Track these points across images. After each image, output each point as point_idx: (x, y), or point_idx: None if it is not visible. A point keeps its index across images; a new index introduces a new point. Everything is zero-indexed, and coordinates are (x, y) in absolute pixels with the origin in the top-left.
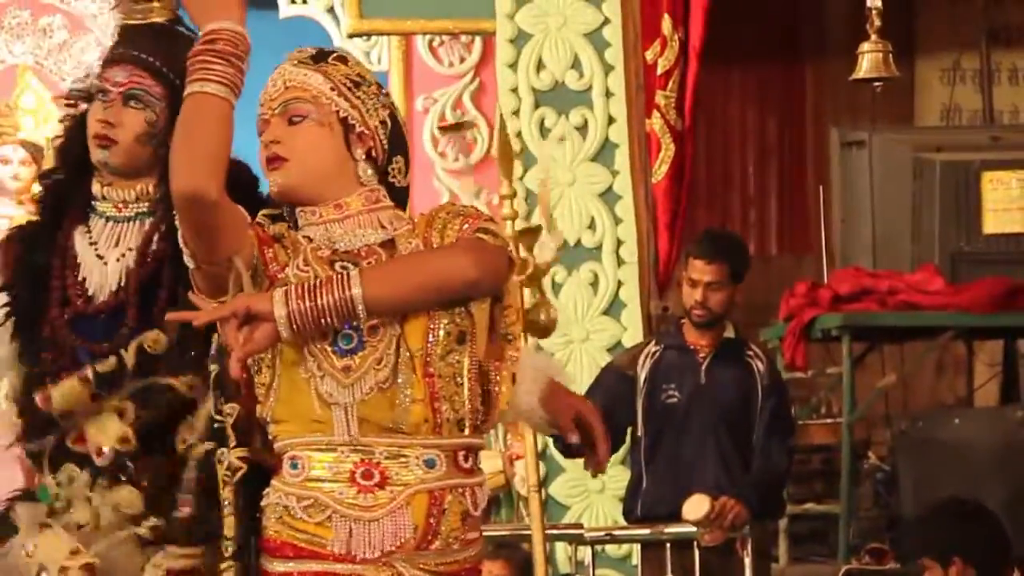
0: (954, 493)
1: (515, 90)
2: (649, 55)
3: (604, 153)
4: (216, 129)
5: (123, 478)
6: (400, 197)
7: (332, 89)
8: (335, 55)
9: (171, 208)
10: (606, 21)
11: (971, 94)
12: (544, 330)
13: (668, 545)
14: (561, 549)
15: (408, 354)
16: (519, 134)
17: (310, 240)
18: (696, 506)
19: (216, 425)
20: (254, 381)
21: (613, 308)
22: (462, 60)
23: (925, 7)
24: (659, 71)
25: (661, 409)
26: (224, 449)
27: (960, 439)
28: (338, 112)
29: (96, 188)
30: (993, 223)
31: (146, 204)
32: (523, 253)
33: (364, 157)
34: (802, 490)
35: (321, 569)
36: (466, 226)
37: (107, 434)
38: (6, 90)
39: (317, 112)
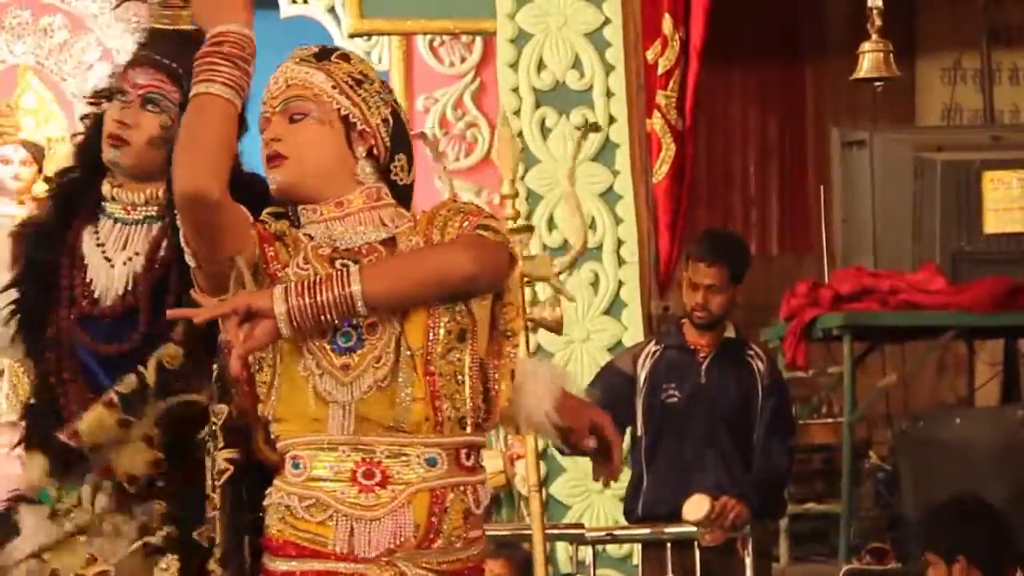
0: (957, 492)
1: (516, 90)
2: (650, 55)
3: (605, 153)
4: (220, 130)
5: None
6: (403, 195)
7: (334, 87)
8: (338, 53)
9: None
10: (607, 21)
11: (972, 94)
12: (551, 327)
13: (669, 545)
14: (562, 549)
15: (408, 352)
16: (520, 134)
17: (311, 238)
18: (697, 506)
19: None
20: (255, 380)
21: (614, 308)
22: (463, 60)
23: (926, 7)
24: (660, 71)
25: (661, 409)
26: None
27: (961, 439)
28: (339, 110)
29: (106, 189)
30: (994, 223)
31: (155, 208)
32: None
33: (365, 155)
34: (803, 490)
35: (323, 568)
36: (467, 223)
37: (138, 464)
38: (7, 90)
39: (318, 110)
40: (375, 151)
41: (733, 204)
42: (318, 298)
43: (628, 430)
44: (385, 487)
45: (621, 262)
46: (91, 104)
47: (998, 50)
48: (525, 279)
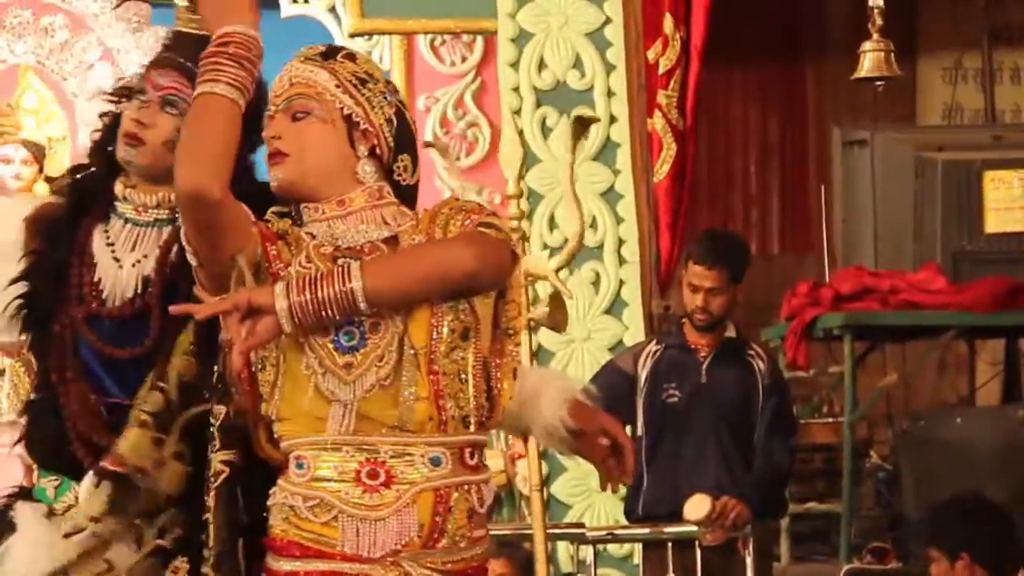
0: (959, 491)
1: (517, 89)
2: (651, 54)
3: (606, 152)
4: (223, 129)
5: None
6: (407, 196)
7: (337, 86)
8: (344, 53)
9: None
10: (608, 20)
11: (973, 93)
12: (555, 325)
13: (669, 544)
14: (563, 548)
15: (412, 351)
16: (520, 133)
17: (313, 237)
18: (697, 506)
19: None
20: (256, 378)
21: (615, 307)
22: (464, 59)
23: (926, 6)
24: (661, 70)
25: (662, 408)
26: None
27: (962, 438)
28: (342, 109)
29: (119, 188)
30: (995, 222)
31: (166, 211)
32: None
33: (367, 154)
34: (804, 489)
35: (328, 568)
36: (469, 221)
37: (175, 483)
38: (8, 89)
39: (321, 108)
40: (378, 151)
41: (734, 203)
42: (319, 294)
43: (628, 430)
44: (389, 487)
45: (622, 261)
46: (110, 102)
47: (999, 50)
48: (527, 278)
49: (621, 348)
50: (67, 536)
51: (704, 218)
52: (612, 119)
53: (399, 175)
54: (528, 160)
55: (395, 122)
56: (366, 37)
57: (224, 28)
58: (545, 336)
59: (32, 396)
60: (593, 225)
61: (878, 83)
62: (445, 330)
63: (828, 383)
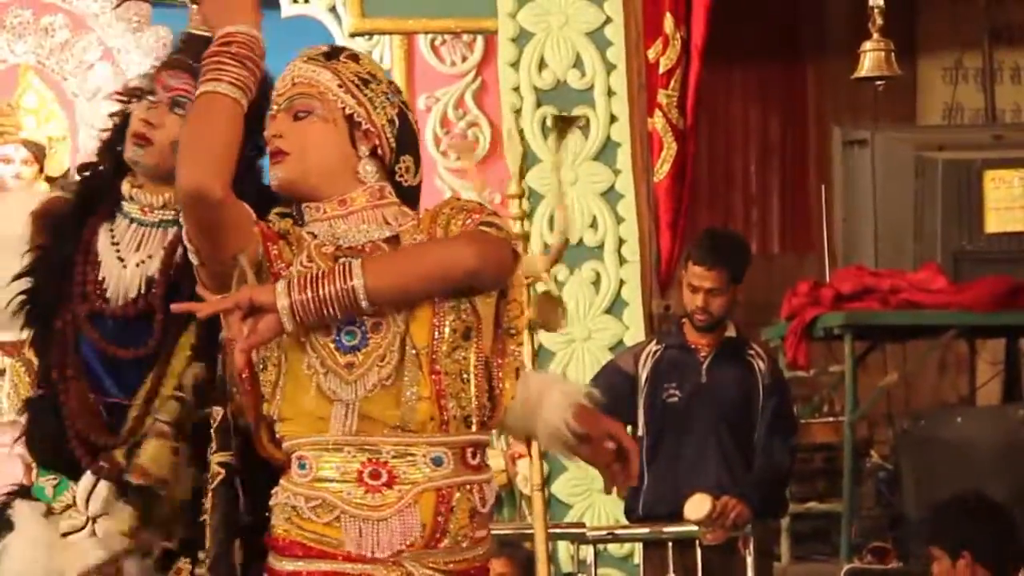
0: (961, 491)
1: (517, 89)
2: (651, 54)
3: (606, 152)
4: (225, 129)
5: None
6: (409, 196)
7: (339, 86)
8: (347, 53)
9: None
10: (608, 20)
11: (973, 93)
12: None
13: (670, 544)
14: (563, 548)
15: (414, 351)
16: (521, 133)
17: (314, 236)
18: (698, 505)
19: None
20: (258, 378)
21: (615, 307)
22: (464, 59)
23: (927, 6)
24: (661, 70)
25: (662, 408)
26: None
27: (962, 438)
28: (344, 109)
29: (126, 188)
30: (995, 222)
31: (172, 212)
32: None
33: (369, 154)
34: (804, 489)
35: (330, 568)
36: (470, 220)
37: (188, 489)
38: (8, 89)
39: (322, 108)
40: (379, 151)
41: (734, 203)
42: (321, 292)
43: (629, 429)
44: (391, 487)
45: (622, 261)
46: (120, 102)
47: (999, 49)
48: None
49: (621, 348)
50: (65, 536)
51: (704, 218)
52: (612, 118)
53: (401, 176)
54: (528, 160)
55: (397, 123)
56: (366, 37)
57: (227, 28)
58: (546, 336)
59: (33, 393)
60: (593, 225)
61: (878, 83)
62: (447, 330)
63: (828, 383)
